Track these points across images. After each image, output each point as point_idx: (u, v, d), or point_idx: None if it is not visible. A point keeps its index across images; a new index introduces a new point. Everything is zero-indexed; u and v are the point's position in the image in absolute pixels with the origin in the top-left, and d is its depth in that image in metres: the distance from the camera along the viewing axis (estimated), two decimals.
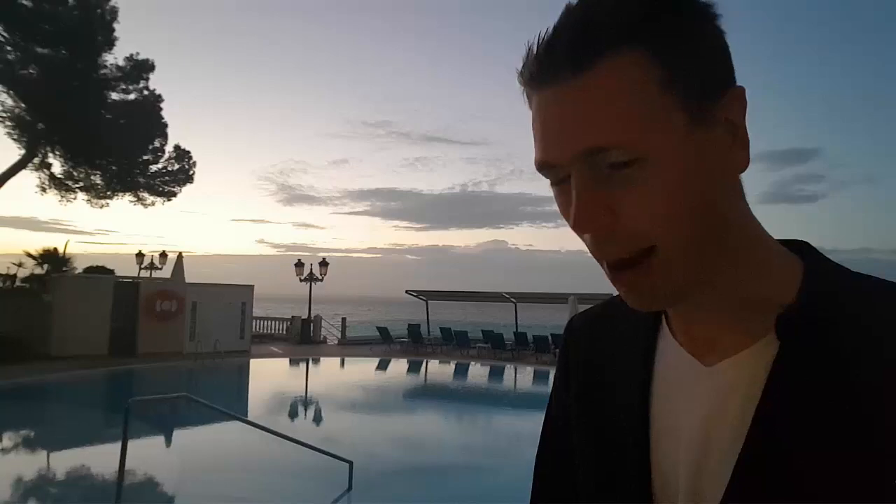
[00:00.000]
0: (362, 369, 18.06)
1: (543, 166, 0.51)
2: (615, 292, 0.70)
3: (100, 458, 7.50)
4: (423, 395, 14.79)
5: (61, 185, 20.10)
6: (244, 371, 17.13)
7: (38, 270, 20.05)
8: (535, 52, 0.50)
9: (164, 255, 24.53)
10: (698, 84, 0.48)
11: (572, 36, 0.47)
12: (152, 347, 17.70)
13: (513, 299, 23.42)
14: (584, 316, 0.74)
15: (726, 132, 0.49)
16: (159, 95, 19.91)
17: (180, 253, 20.86)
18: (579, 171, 0.48)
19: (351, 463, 6.17)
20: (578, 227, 0.49)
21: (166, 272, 22.10)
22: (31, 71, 17.69)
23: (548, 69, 0.49)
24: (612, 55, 0.46)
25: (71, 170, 20.01)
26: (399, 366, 18.67)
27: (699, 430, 0.52)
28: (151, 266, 24.49)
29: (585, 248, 0.56)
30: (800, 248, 0.55)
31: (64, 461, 7.99)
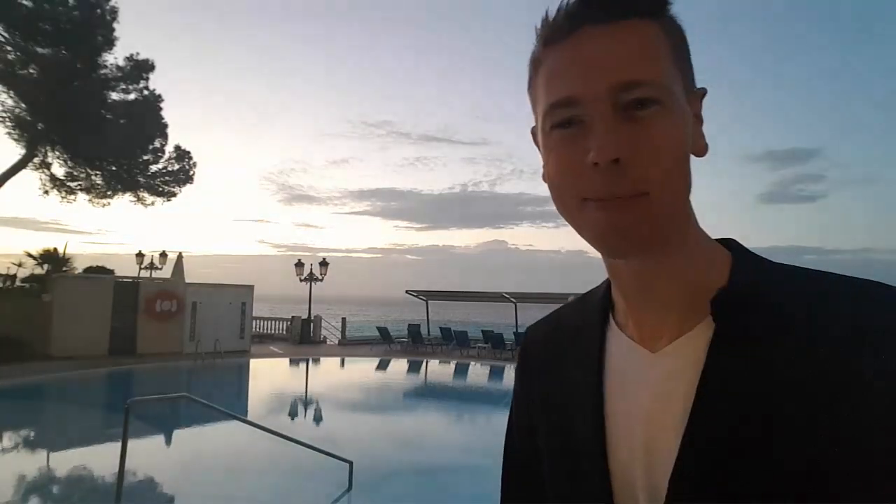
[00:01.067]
0: (362, 369, 18.05)
1: (566, 102, 0.53)
2: None
3: (100, 458, 7.51)
4: (423, 395, 14.78)
5: (62, 185, 20.10)
6: (244, 371, 17.11)
7: (38, 270, 20.08)
8: (564, 6, 0.55)
9: (164, 255, 24.55)
10: (687, 68, 0.57)
11: None
12: (152, 347, 17.70)
13: (513, 299, 23.41)
14: (538, 325, 0.78)
15: (695, 120, 0.57)
16: (159, 95, 19.92)
17: (180, 253, 20.88)
18: (605, 106, 0.51)
19: (351, 463, 6.17)
20: (604, 152, 0.50)
21: (166, 272, 22.13)
22: (31, 71, 17.69)
23: (583, 16, 0.54)
24: (639, 19, 0.54)
25: (71, 170, 20.01)
26: (399, 366, 18.66)
27: (648, 414, 0.56)
28: (151, 266, 24.51)
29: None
30: (728, 243, 0.61)
31: (64, 461, 7.97)
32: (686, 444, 0.51)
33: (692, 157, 0.56)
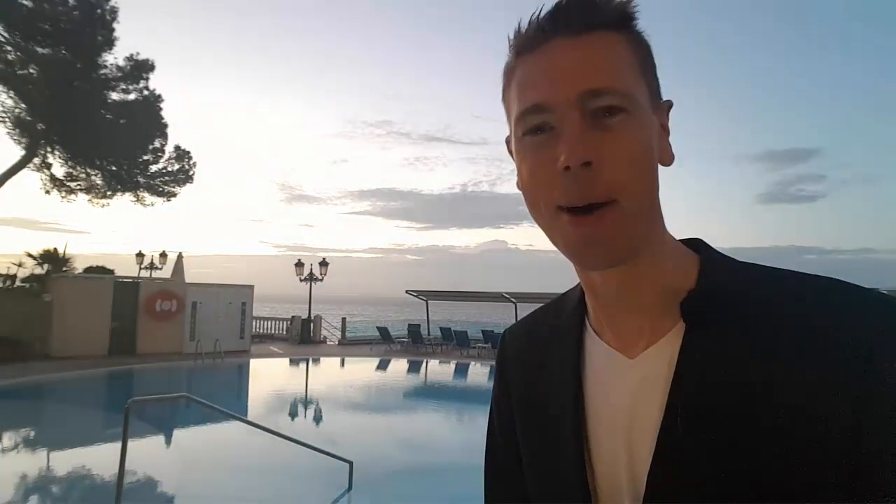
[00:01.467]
0: (362, 369, 18.04)
1: (537, 109, 0.55)
2: None
3: (100, 458, 7.50)
4: (423, 395, 14.77)
5: (61, 185, 20.09)
6: (244, 371, 17.10)
7: (38, 270, 20.06)
8: (536, 19, 0.58)
9: (164, 255, 24.55)
10: (653, 79, 0.59)
11: (578, 9, 0.56)
12: (152, 347, 17.71)
13: (513, 299, 23.42)
14: (515, 327, 0.80)
15: (662, 130, 0.60)
16: (159, 95, 19.90)
17: (180, 253, 20.88)
18: (574, 113, 0.53)
19: (351, 463, 6.16)
20: (574, 155, 0.52)
21: (166, 272, 22.13)
22: (31, 71, 17.68)
23: (553, 28, 0.56)
24: (607, 31, 0.56)
25: (71, 170, 19.99)
26: (399, 366, 18.65)
27: (628, 419, 0.58)
28: (151, 266, 24.51)
29: None
30: (696, 245, 0.63)
31: (64, 461, 7.97)
32: (661, 443, 0.53)
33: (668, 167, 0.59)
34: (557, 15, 0.56)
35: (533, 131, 0.56)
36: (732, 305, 0.55)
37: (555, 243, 0.58)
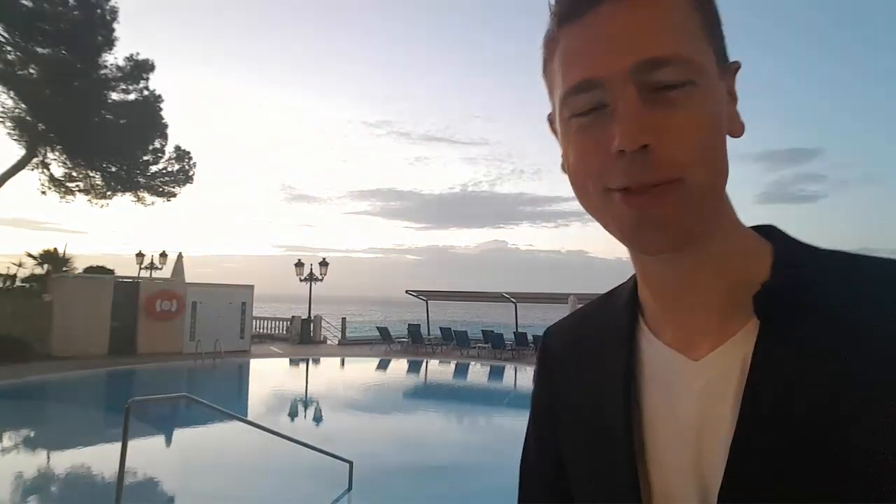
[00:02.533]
0: (362, 369, 18.05)
1: (586, 86, 0.49)
2: None
3: (100, 458, 7.50)
4: (423, 395, 14.78)
5: (60, 185, 20.10)
6: (244, 371, 17.11)
7: (38, 270, 20.09)
8: None
9: (164, 255, 24.56)
10: (720, 40, 0.52)
11: None
12: (152, 347, 17.71)
13: (513, 299, 23.40)
14: (560, 325, 0.73)
15: (730, 98, 0.53)
16: (159, 95, 19.90)
17: (180, 253, 20.87)
18: (632, 87, 0.47)
19: (351, 463, 6.17)
20: (629, 139, 0.46)
21: (166, 272, 22.13)
22: (31, 71, 17.68)
23: None
24: None
25: (70, 170, 20.00)
26: (399, 366, 18.64)
27: (696, 427, 0.52)
28: (151, 266, 24.53)
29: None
30: (767, 231, 0.56)
31: (64, 461, 7.98)
32: (735, 452, 0.48)
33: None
34: None
35: (583, 112, 0.49)
36: (811, 301, 0.49)
37: (606, 227, 0.52)
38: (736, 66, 0.53)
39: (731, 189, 0.53)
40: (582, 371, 0.65)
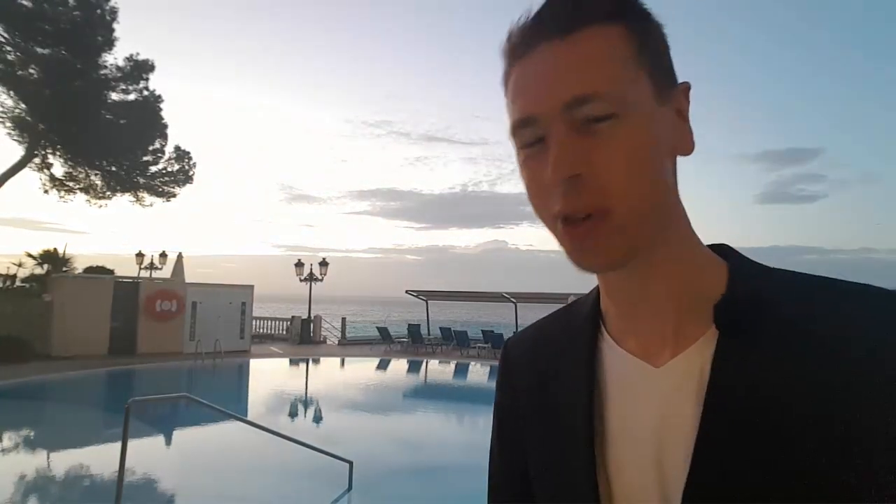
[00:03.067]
0: (362, 369, 18.05)
1: (524, 122, 0.53)
2: None
3: (100, 458, 7.50)
4: (423, 395, 14.77)
5: (61, 185, 20.10)
6: (244, 371, 17.11)
7: (38, 270, 20.09)
8: (523, 22, 0.55)
9: (164, 255, 24.57)
10: (660, 66, 0.55)
11: (562, 7, 0.53)
12: (152, 347, 17.71)
13: (513, 299, 23.39)
14: (520, 336, 0.75)
15: (678, 118, 0.56)
16: (159, 96, 19.92)
17: (180, 253, 20.90)
18: (561, 122, 0.51)
19: (351, 463, 6.17)
20: (559, 170, 0.50)
21: (166, 272, 22.14)
22: (31, 71, 17.68)
23: (538, 33, 0.53)
24: (597, 26, 0.52)
25: (70, 170, 20.01)
26: (399, 366, 18.64)
27: (657, 429, 0.54)
28: (151, 266, 24.53)
29: None
30: (722, 250, 0.60)
31: (64, 461, 7.98)
32: (698, 453, 0.50)
33: (685, 157, 0.56)
34: (542, 16, 0.54)
35: (527, 145, 0.54)
36: (767, 312, 0.52)
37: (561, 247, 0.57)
38: (685, 87, 0.57)
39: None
40: (544, 379, 0.66)
